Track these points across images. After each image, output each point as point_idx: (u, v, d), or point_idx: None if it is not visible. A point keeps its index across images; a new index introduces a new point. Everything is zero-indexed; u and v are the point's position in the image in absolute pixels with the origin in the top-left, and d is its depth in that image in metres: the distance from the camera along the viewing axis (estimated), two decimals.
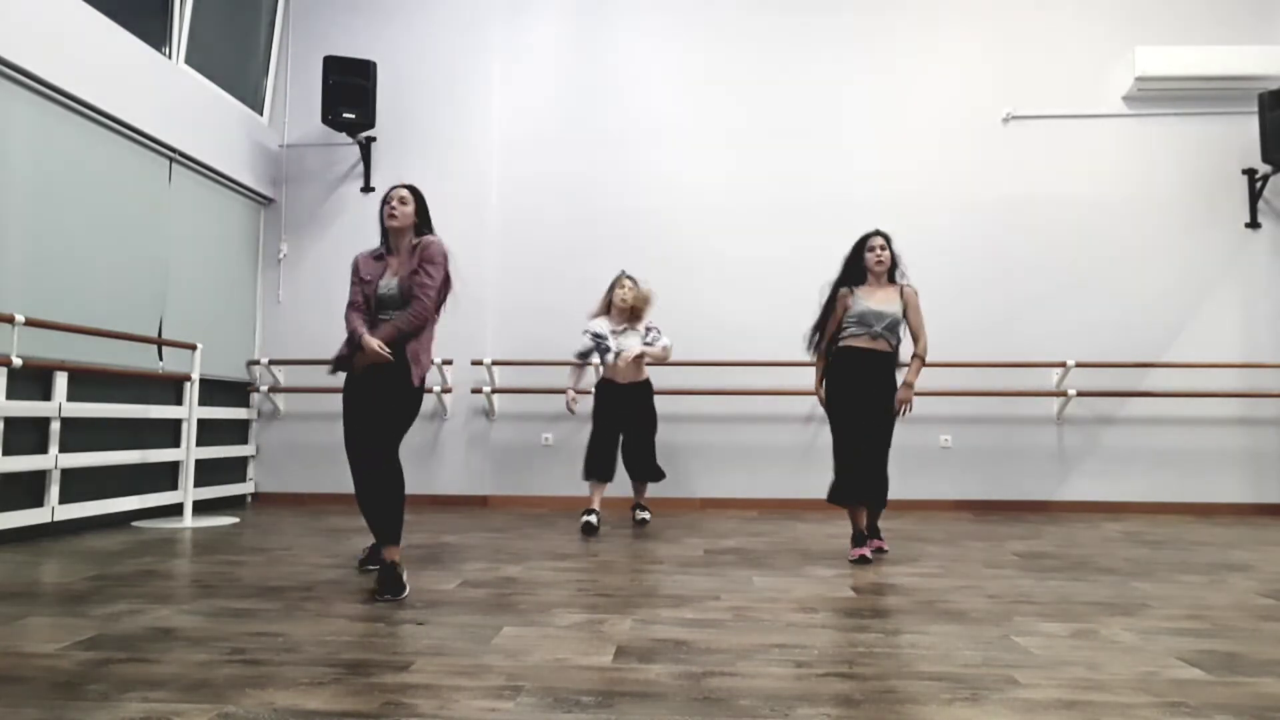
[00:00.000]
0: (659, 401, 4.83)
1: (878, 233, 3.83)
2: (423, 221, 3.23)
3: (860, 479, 3.65)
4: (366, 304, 3.13)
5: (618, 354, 4.54)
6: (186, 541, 3.98)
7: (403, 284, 3.08)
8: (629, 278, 4.69)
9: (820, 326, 3.86)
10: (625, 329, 4.61)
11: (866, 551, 3.59)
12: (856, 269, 3.82)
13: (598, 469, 4.61)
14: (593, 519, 4.47)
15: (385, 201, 3.19)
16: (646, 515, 4.80)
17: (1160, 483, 5.59)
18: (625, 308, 4.59)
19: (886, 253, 3.77)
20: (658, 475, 4.79)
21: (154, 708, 1.65)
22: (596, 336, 4.64)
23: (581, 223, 5.93)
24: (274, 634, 2.22)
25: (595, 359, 4.72)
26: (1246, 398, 5.58)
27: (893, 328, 3.72)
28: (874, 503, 3.76)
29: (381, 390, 3.03)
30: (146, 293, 4.86)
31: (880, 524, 3.91)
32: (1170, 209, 5.79)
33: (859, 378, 3.70)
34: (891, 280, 3.82)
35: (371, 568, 3.19)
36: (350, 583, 2.94)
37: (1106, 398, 5.64)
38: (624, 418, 4.65)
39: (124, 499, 4.55)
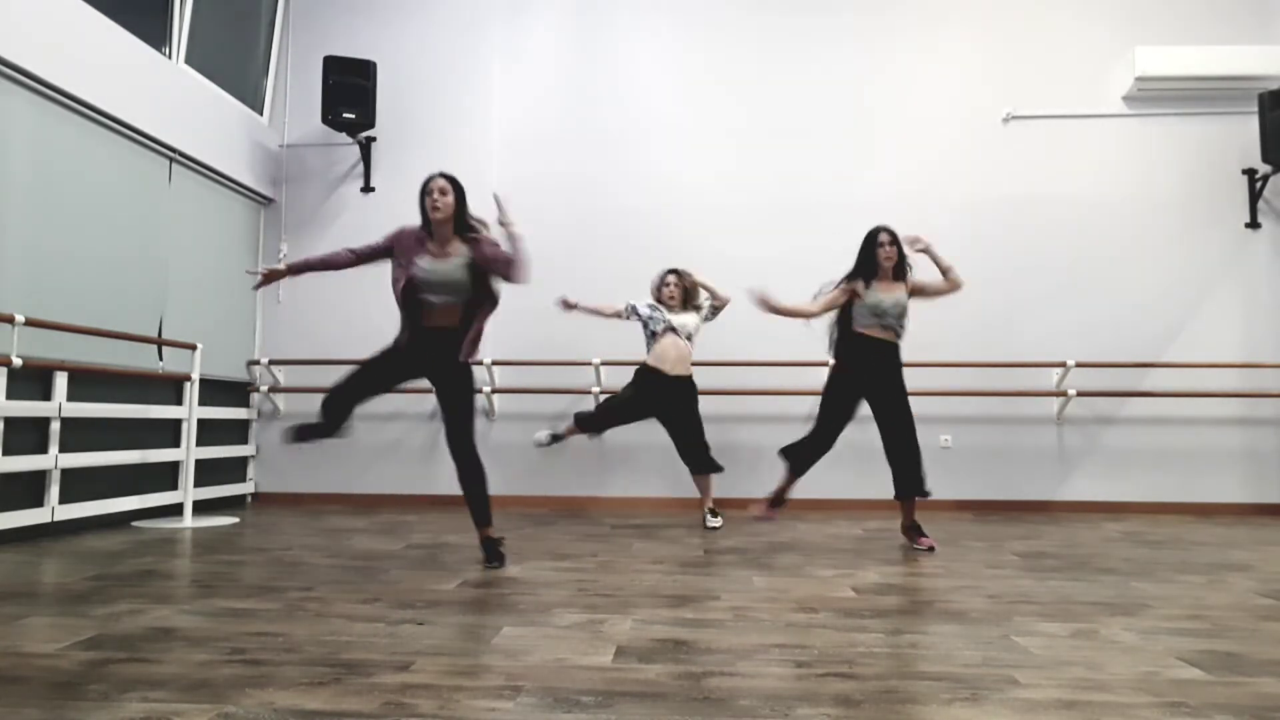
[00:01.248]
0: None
1: (885, 229, 3.96)
2: (463, 210, 3.32)
3: (816, 459, 3.98)
4: (403, 285, 3.27)
5: (670, 328, 4.48)
6: (186, 541, 3.98)
7: (477, 264, 3.24)
8: (673, 272, 4.64)
9: (837, 297, 3.97)
10: (684, 311, 4.57)
11: (775, 516, 3.95)
12: (870, 264, 3.93)
13: (596, 423, 4.55)
14: (548, 434, 4.60)
15: (427, 193, 3.27)
16: (718, 523, 4.45)
17: (1160, 483, 5.59)
18: (675, 303, 4.59)
19: (894, 248, 3.91)
20: (715, 465, 4.57)
21: (154, 708, 1.65)
22: (652, 309, 4.54)
23: (581, 223, 5.93)
24: (274, 634, 2.21)
25: (634, 320, 4.62)
26: (1246, 398, 5.58)
27: (902, 316, 3.91)
28: (911, 491, 3.86)
29: (451, 369, 3.29)
30: (146, 293, 4.86)
31: (880, 524, 3.94)
32: (1170, 209, 5.78)
33: (872, 367, 3.89)
34: (898, 276, 3.94)
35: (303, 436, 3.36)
36: (350, 583, 2.94)
37: (1106, 398, 5.63)
38: (665, 412, 4.53)
39: (124, 499, 4.55)
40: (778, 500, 3.99)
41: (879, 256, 3.89)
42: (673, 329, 4.51)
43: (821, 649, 2.10)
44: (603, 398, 5.21)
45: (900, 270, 3.95)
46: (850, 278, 3.96)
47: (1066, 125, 5.89)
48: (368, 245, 3.37)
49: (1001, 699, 1.73)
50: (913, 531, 3.91)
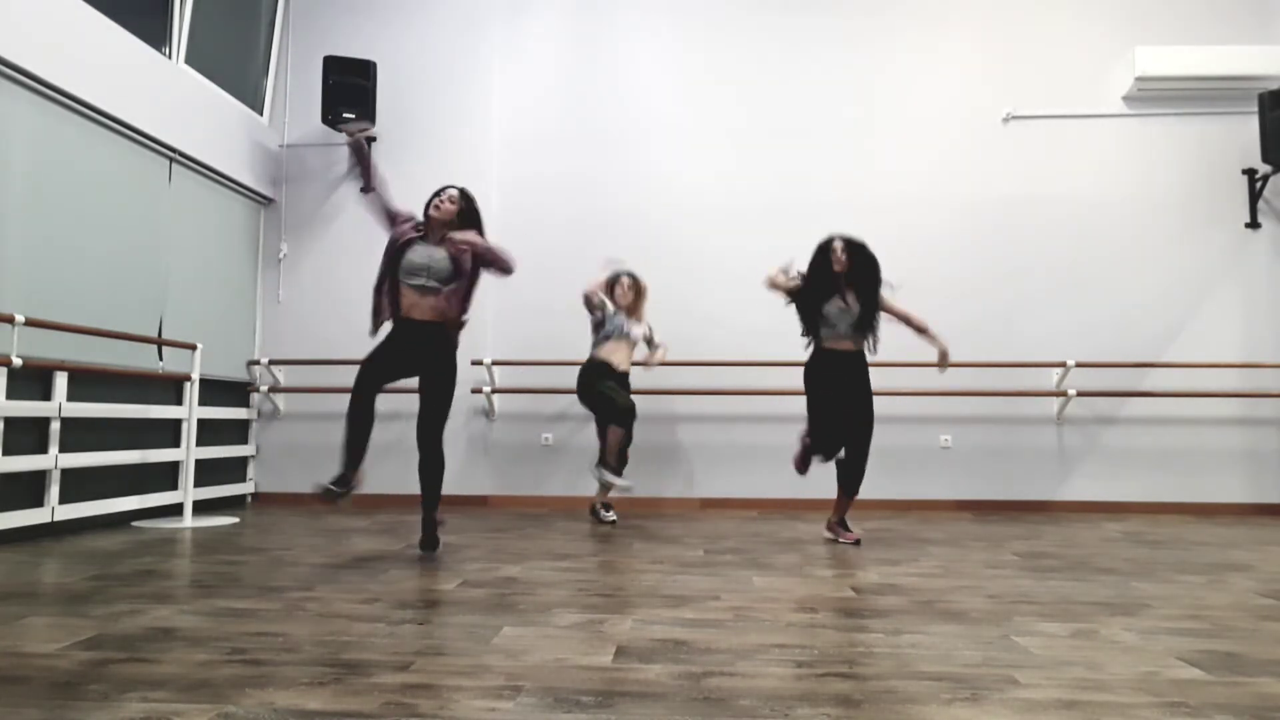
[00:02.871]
0: (653, 401, 4.90)
1: (839, 236, 4.04)
2: (465, 224, 3.53)
3: (837, 441, 4.03)
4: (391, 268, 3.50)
5: (625, 334, 4.73)
6: (186, 541, 3.98)
7: (455, 256, 3.47)
8: (628, 275, 4.85)
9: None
10: (631, 319, 4.80)
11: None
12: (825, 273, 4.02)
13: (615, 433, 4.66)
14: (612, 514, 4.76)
15: (436, 194, 3.50)
16: (613, 516, 4.75)
17: (1160, 483, 5.59)
18: (626, 304, 4.80)
19: (846, 255, 3.97)
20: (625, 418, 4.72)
21: (154, 708, 1.65)
22: (616, 314, 4.76)
23: (581, 222, 5.93)
24: (274, 634, 2.21)
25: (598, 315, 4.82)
26: (1246, 398, 5.58)
27: (859, 326, 3.98)
28: (846, 492, 4.04)
29: (433, 363, 3.50)
30: (146, 292, 4.86)
31: (879, 524, 3.95)
32: (1170, 209, 5.78)
33: (835, 379, 4.02)
34: (849, 283, 4.00)
35: (335, 489, 3.40)
36: (350, 583, 2.94)
37: (1106, 398, 5.63)
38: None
39: (124, 499, 4.55)
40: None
41: (831, 262, 3.96)
42: (626, 336, 4.78)
43: (821, 649, 2.10)
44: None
45: (852, 278, 3.98)
46: (811, 292, 4.05)
47: (1066, 125, 5.89)
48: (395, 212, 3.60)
49: (1001, 699, 1.73)
50: (839, 526, 4.06)
